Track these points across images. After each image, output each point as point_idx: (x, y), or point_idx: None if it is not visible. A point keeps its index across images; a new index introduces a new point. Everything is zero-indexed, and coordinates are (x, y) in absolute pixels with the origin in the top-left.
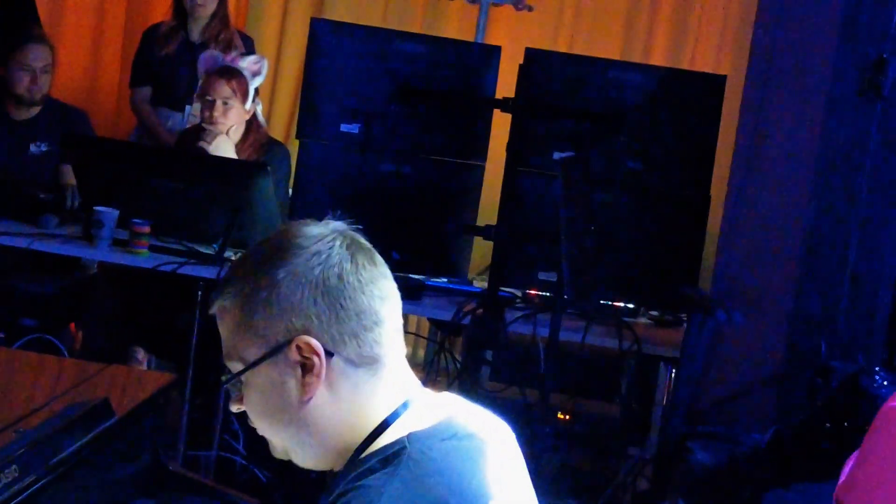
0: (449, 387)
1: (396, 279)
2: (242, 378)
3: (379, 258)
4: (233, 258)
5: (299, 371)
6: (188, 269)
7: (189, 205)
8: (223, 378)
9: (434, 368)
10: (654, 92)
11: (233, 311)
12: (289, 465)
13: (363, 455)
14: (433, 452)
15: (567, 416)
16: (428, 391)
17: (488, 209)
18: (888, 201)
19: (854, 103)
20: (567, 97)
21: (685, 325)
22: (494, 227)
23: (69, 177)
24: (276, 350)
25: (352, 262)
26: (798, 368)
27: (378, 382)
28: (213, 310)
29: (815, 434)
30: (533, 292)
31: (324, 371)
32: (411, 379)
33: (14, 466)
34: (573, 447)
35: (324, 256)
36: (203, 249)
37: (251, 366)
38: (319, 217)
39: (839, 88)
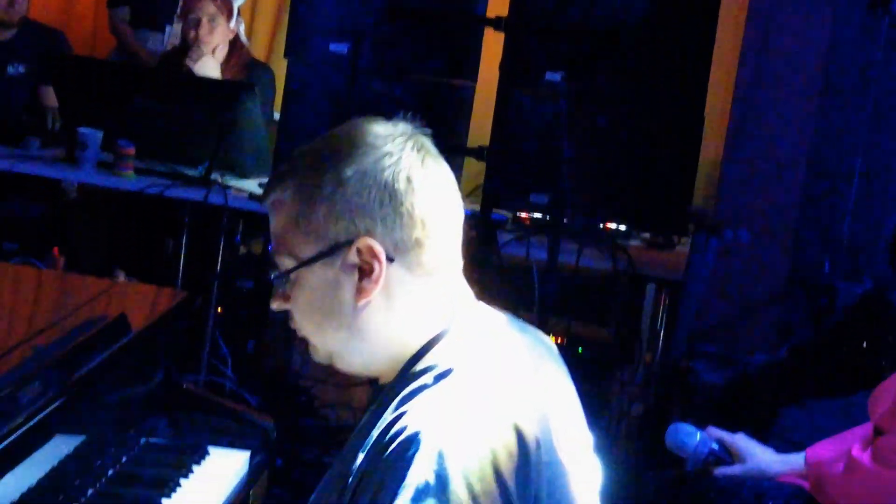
0: None
1: None
2: (292, 276)
3: (445, 164)
4: (219, 180)
5: (356, 274)
6: (174, 192)
7: (174, 126)
8: (271, 273)
9: None
10: (648, 9)
11: (291, 205)
12: (278, 389)
13: (415, 369)
14: (492, 364)
15: (561, 340)
16: (480, 304)
17: (479, 130)
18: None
19: (861, 19)
20: (561, 15)
21: (677, 247)
22: (487, 148)
23: (50, 98)
24: (334, 250)
25: (422, 165)
26: (801, 288)
27: (434, 293)
28: (268, 201)
29: (832, 351)
30: (524, 214)
31: (383, 277)
32: (465, 291)
33: (37, 383)
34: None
35: (394, 158)
36: (189, 172)
37: (305, 263)
38: (312, 139)
39: (846, 3)
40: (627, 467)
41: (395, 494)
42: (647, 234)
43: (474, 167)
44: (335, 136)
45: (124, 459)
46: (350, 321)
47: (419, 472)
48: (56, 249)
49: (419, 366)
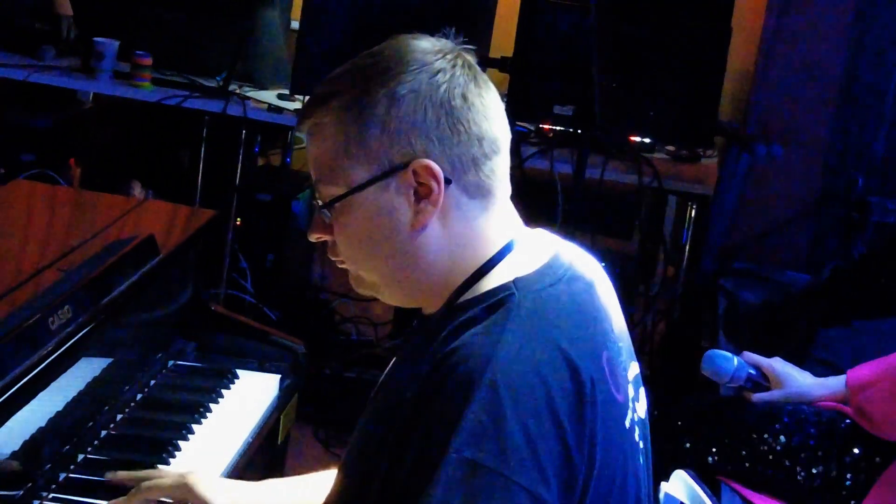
0: None
1: None
2: (338, 203)
3: (492, 83)
4: (237, 91)
5: (412, 196)
6: (192, 103)
7: (191, 36)
8: (318, 201)
9: None
10: None
11: (337, 128)
12: (298, 304)
13: (462, 300)
14: (543, 299)
15: None
16: (529, 230)
17: (502, 40)
18: None
19: None
20: None
21: (702, 160)
22: (509, 59)
23: (65, 6)
24: (389, 172)
25: (475, 82)
26: (833, 204)
27: (488, 216)
28: (307, 125)
29: (876, 271)
30: (548, 127)
31: (441, 199)
32: (515, 216)
33: (67, 307)
34: None
35: (448, 75)
36: (207, 83)
37: (357, 189)
38: (332, 49)
39: None
40: (655, 388)
41: (449, 434)
42: (672, 147)
43: (496, 78)
44: (381, 54)
45: (152, 383)
46: (404, 247)
47: (474, 412)
48: (73, 160)
49: (468, 295)
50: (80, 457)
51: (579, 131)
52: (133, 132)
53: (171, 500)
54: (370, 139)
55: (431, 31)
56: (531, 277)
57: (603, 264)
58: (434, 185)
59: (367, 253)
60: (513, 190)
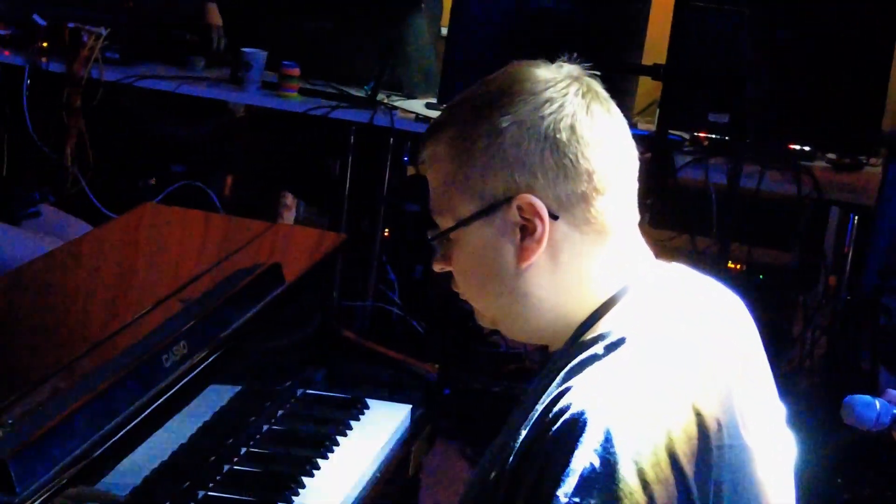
0: None
1: None
2: (451, 236)
3: (616, 109)
4: (385, 102)
5: (518, 233)
6: (340, 114)
7: (339, 45)
8: (429, 234)
9: None
10: None
11: (447, 159)
12: (446, 317)
13: (585, 337)
14: (668, 336)
15: (740, 266)
16: (659, 263)
17: (655, 46)
18: None
19: None
20: None
21: (865, 167)
22: (663, 66)
23: (215, 17)
24: (492, 208)
25: (587, 112)
26: None
27: (605, 253)
28: (424, 156)
29: None
30: (702, 135)
31: (546, 236)
32: (642, 250)
33: (182, 342)
34: (746, 298)
35: (556, 105)
36: (354, 92)
37: (462, 223)
38: (481, 57)
39: None
40: (813, 408)
41: (559, 479)
42: (832, 155)
43: (649, 86)
44: (492, 83)
45: (279, 414)
46: (513, 285)
47: (585, 456)
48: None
49: (590, 334)
50: (200, 493)
51: (735, 140)
52: (284, 141)
53: None
54: (474, 173)
55: (579, 43)
56: (657, 312)
57: (760, 276)
58: (538, 221)
59: (479, 288)
60: (667, 201)
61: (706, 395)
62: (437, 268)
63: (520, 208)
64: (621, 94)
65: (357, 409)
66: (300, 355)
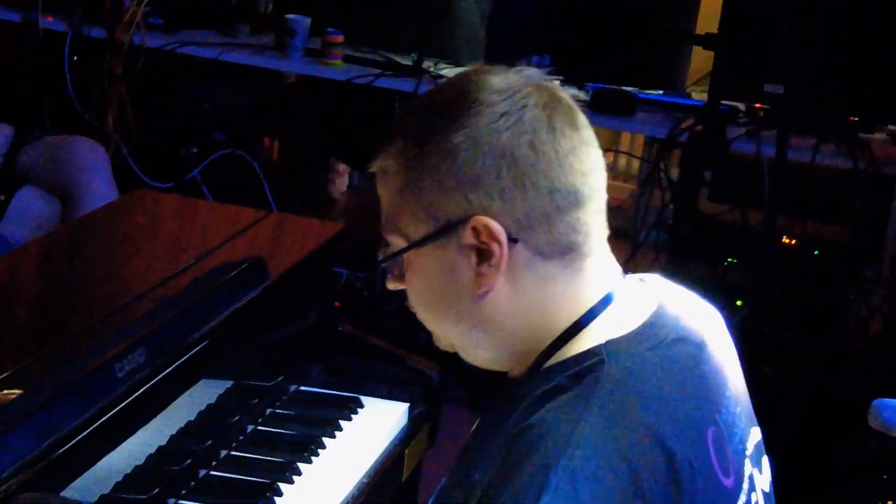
0: (662, 208)
1: (607, 92)
2: (403, 257)
3: (583, 119)
4: (431, 70)
5: (474, 258)
6: (384, 82)
7: (384, 12)
8: (379, 254)
9: (647, 189)
10: None
11: (396, 175)
12: None
13: (549, 364)
14: (638, 366)
15: (793, 241)
16: (631, 279)
17: (708, 15)
18: None
19: None
20: None
21: None
22: (716, 35)
23: None
24: (446, 230)
25: (548, 125)
26: None
27: (571, 276)
28: (373, 167)
29: None
30: (757, 106)
31: (504, 261)
32: (612, 268)
33: (140, 350)
34: (799, 275)
35: (513, 119)
36: (400, 59)
37: (414, 245)
38: (527, 22)
39: None
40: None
41: None
42: (893, 127)
43: (702, 55)
44: (447, 90)
45: (268, 413)
46: (470, 311)
47: (549, 498)
48: (266, 139)
49: (553, 360)
50: (170, 502)
51: (790, 110)
52: (333, 107)
53: None
54: (425, 192)
55: (631, 11)
56: (626, 340)
57: (815, 252)
58: (495, 246)
59: (435, 313)
60: (718, 172)
61: (677, 435)
62: (391, 286)
63: (475, 231)
64: (674, 65)
65: (349, 409)
66: (294, 350)
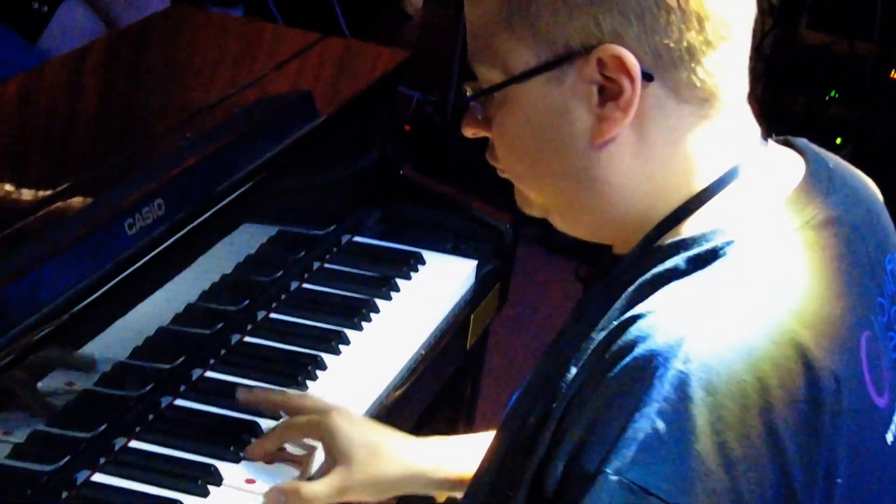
0: (762, 36)
1: None
2: (498, 94)
3: None
4: None
5: (596, 96)
6: None
7: None
8: (467, 88)
9: None
10: None
11: None
12: None
13: (665, 241)
14: (776, 251)
15: None
16: (772, 144)
17: None
18: None
19: None
20: None
21: None
22: None
23: None
24: (563, 60)
25: None
26: None
27: (708, 129)
28: None
29: None
30: None
31: (635, 102)
32: (752, 127)
33: (159, 201)
34: None
35: None
36: None
37: (517, 79)
38: None
39: None
40: None
41: (610, 448)
42: None
43: None
44: None
45: (315, 267)
46: (580, 165)
47: (649, 417)
48: None
49: (670, 237)
50: (195, 374)
51: None
52: None
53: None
54: (540, 10)
55: None
56: (763, 218)
57: None
58: (626, 82)
59: (531, 167)
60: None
61: (823, 342)
62: (469, 133)
63: (601, 63)
64: None
65: (409, 265)
66: (349, 195)
